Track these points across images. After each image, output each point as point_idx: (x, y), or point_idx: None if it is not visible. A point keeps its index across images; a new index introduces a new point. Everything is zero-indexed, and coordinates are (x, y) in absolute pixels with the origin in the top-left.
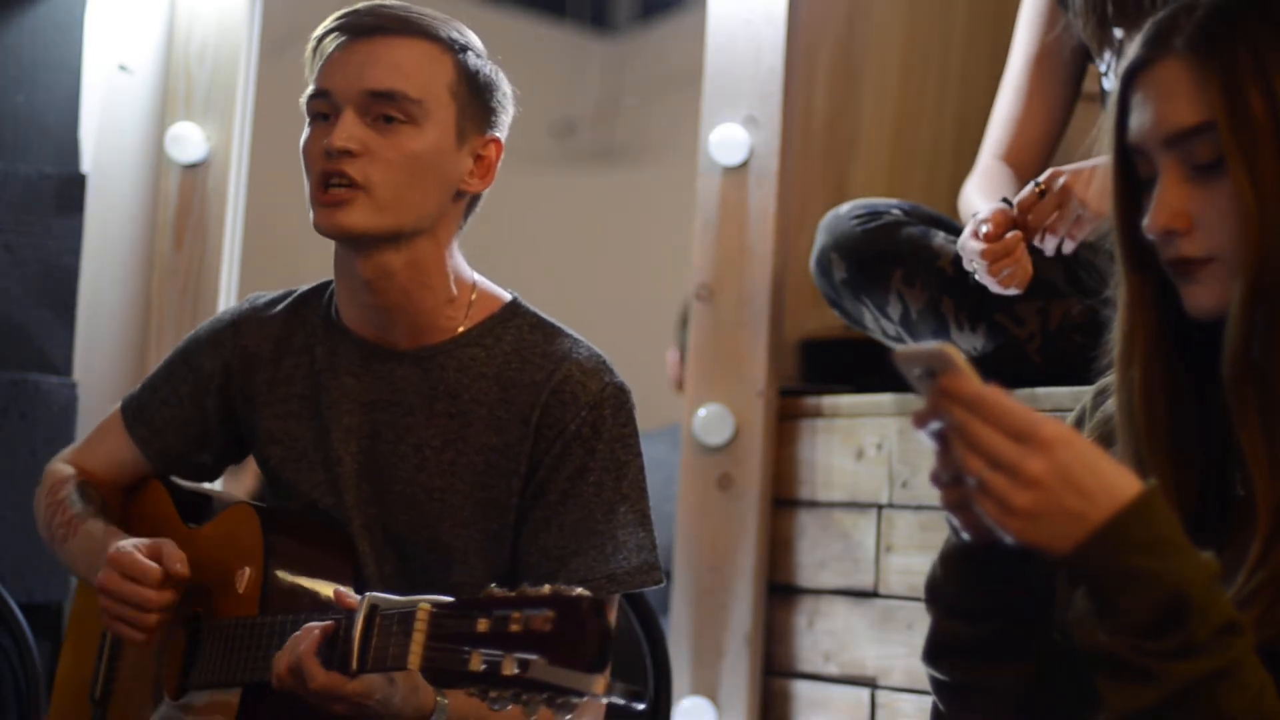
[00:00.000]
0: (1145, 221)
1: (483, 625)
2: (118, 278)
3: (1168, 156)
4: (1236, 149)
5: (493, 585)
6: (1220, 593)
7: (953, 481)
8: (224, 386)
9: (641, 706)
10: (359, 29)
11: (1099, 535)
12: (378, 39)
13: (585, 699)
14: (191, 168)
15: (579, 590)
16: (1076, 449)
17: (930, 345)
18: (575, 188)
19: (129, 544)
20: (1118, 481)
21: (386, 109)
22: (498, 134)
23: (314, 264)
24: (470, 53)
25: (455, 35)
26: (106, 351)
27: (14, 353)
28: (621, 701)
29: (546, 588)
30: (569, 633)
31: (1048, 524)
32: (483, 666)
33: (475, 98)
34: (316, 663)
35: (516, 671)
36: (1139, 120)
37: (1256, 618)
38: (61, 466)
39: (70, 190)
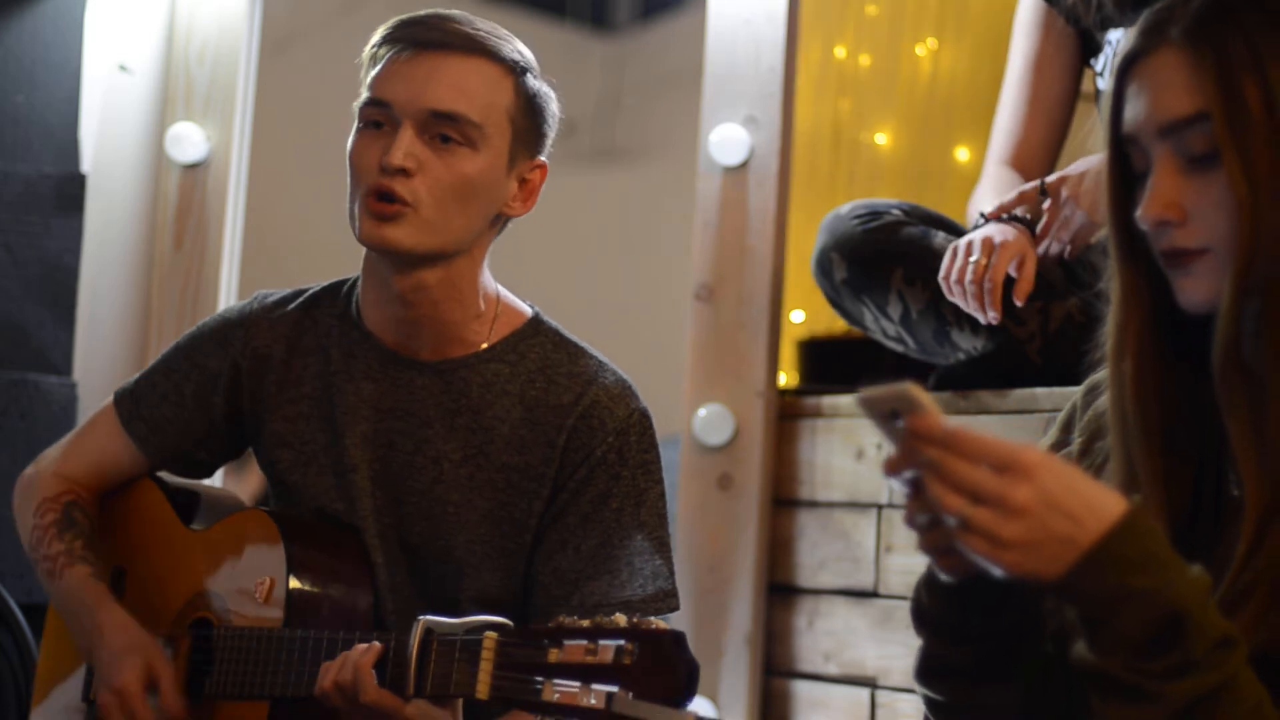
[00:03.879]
0: (1139, 212)
1: (554, 655)
2: (118, 278)
3: (1162, 147)
4: (1230, 140)
5: (562, 616)
6: (1213, 607)
7: (930, 525)
8: (232, 387)
9: None
10: (423, 42)
11: (1089, 558)
12: (442, 55)
13: None
14: (191, 168)
15: (657, 622)
16: (1058, 473)
17: (893, 386)
18: (575, 188)
19: (133, 680)
20: (1103, 502)
21: (446, 129)
22: (544, 159)
23: (314, 264)
24: (529, 74)
25: (516, 57)
26: (106, 351)
27: (14, 353)
28: None
29: (621, 619)
30: (654, 665)
31: (1038, 552)
32: (556, 696)
33: (529, 122)
34: (372, 677)
35: (594, 703)
36: (1134, 111)
37: (1251, 621)
38: (46, 480)
39: (70, 190)
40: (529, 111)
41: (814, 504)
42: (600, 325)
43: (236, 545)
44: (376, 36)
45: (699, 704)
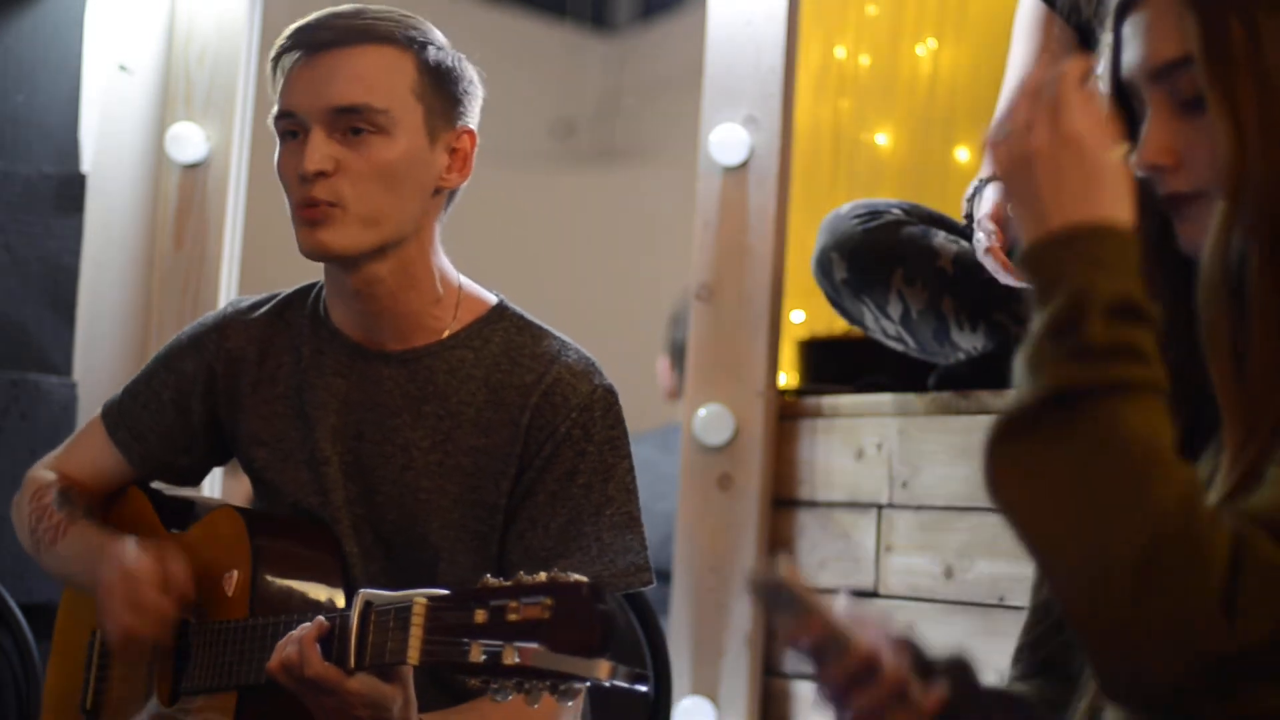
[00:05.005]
0: (1132, 159)
1: (480, 616)
2: (118, 278)
3: (1155, 91)
4: (1214, 82)
5: (487, 576)
6: (1140, 316)
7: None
8: (208, 390)
9: (645, 689)
10: (315, 44)
11: (1057, 237)
12: (335, 52)
13: (589, 684)
14: (191, 168)
15: (575, 576)
16: (1079, 151)
17: (770, 574)
18: (575, 188)
19: (133, 549)
20: (1094, 197)
21: (354, 122)
22: (469, 124)
23: (313, 264)
24: (430, 47)
25: (413, 33)
26: (106, 351)
27: (14, 353)
28: (626, 685)
29: (542, 575)
30: (568, 619)
31: (1036, 197)
32: (483, 657)
33: (440, 93)
34: (315, 650)
35: (517, 660)
36: (1129, 56)
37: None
38: (43, 473)
39: (70, 190)
40: (437, 83)
41: (814, 504)
42: (600, 325)
43: (209, 544)
44: (274, 49)
45: (697, 704)
